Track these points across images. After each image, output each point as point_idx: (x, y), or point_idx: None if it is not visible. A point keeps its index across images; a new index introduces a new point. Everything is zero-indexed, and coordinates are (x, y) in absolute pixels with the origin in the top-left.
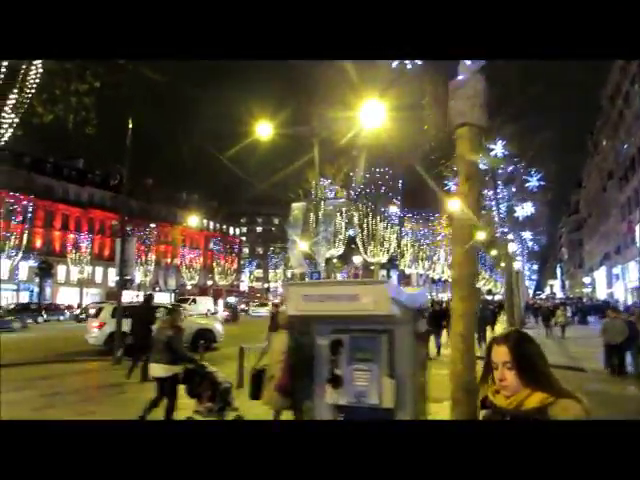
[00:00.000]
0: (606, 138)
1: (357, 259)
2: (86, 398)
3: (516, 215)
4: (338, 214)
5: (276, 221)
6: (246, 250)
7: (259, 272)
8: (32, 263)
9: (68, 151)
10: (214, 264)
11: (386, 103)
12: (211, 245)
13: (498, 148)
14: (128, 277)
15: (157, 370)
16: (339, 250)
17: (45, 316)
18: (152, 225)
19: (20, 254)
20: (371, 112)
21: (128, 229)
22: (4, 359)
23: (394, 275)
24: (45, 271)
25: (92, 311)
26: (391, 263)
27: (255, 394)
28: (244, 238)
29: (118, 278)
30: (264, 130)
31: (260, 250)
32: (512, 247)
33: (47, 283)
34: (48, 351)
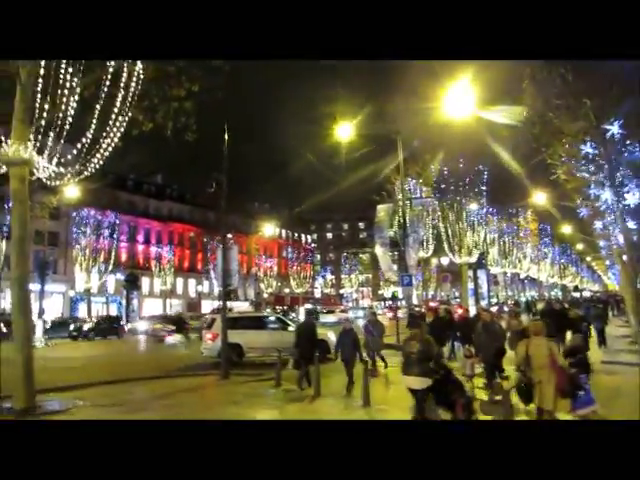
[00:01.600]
0: None
1: (444, 260)
2: None
3: (626, 202)
4: (427, 214)
5: (345, 226)
6: (318, 257)
7: (332, 278)
8: (119, 276)
9: (147, 168)
10: (289, 272)
11: (475, 90)
12: (285, 253)
13: (615, 128)
14: (231, 287)
15: (412, 382)
16: (428, 252)
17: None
18: (229, 235)
19: (109, 268)
20: (459, 102)
21: (216, 240)
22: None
23: (482, 275)
24: (131, 284)
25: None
26: (478, 263)
27: (528, 400)
28: (314, 245)
29: (222, 288)
30: (344, 131)
31: (332, 256)
32: (620, 238)
33: (133, 295)
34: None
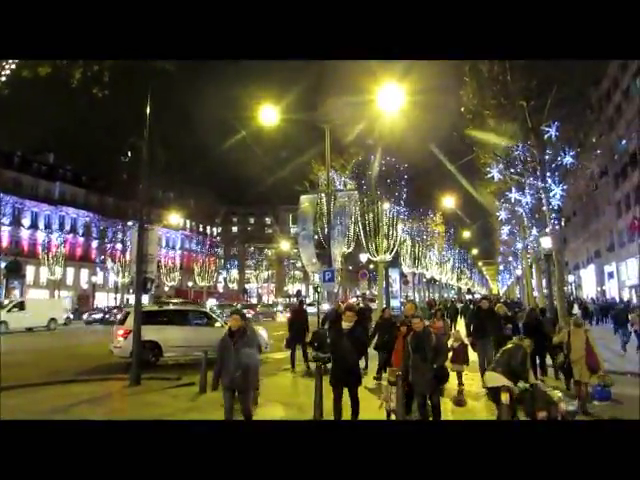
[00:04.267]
0: (598, 134)
1: (363, 257)
2: None
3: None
4: (351, 208)
5: (252, 221)
6: (222, 251)
7: (236, 273)
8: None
9: (37, 145)
10: (193, 265)
11: (406, 87)
12: (189, 245)
13: (552, 131)
14: (149, 275)
15: (491, 380)
16: (350, 246)
17: None
18: (129, 223)
19: None
20: (390, 96)
21: (130, 223)
22: None
23: (395, 275)
24: (13, 272)
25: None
26: (393, 262)
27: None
28: (219, 238)
29: (135, 276)
30: (269, 115)
31: (237, 250)
32: (546, 242)
33: (15, 284)
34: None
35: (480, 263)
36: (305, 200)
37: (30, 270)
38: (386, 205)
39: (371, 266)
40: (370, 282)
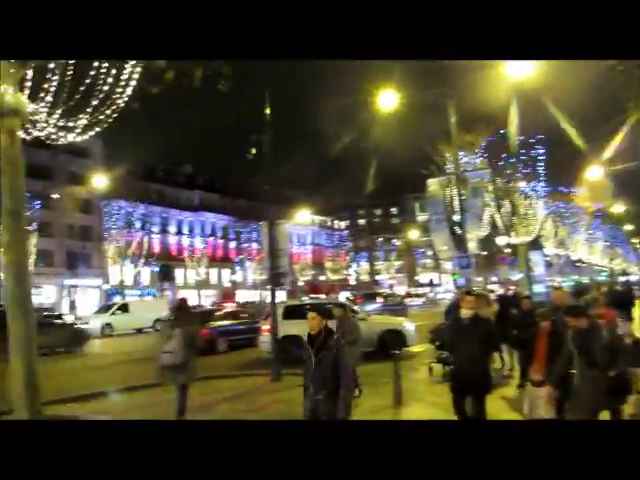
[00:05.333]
0: None
1: (501, 240)
2: None
3: None
4: (485, 187)
5: (378, 212)
6: (350, 244)
7: (366, 265)
8: (153, 268)
9: (176, 158)
10: (324, 259)
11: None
12: (318, 240)
13: None
14: (281, 270)
15: None
16: (486, 230)
17: None
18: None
19: (142, 260)
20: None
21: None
22: None
23: (537, 258)
24: (165, 275)
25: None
26: (532, 244)
27: None
28: (347, 232)
29: (270, 272)
30: (388, 99)
31: (365, 243)
32: None
33: (167, 286)
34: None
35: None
36: (433, 184)
37: (179, 273)
38: (523, 183)
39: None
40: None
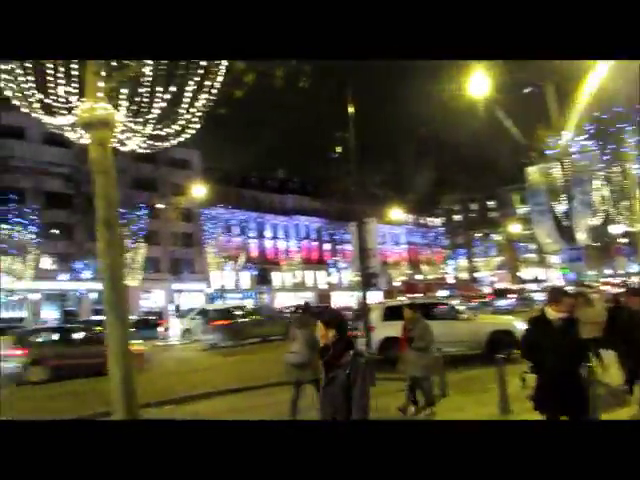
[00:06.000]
0: None
1: (616, 228)
2: None
3: None
4: (594, 170)
5: (474, 207)
6: (446, 241)
7: (464, 262)
8: (252, 272)
9: (268, 164)
10: (419, 258)
11: None
12: (413, 239)
13: None
14: (372, 270)
15: None
16: (597, 218)
17: None
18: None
19: (241, 264)
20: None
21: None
22: None
23: None
24: (262, 278)
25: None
26: None
27: None
28: (443, 229)
29: (360, 273)
30: (479, 84)
31: (462, 239)
32: None
33: (264, 289)
34: None
35: None
36: (533, 172)
37: (276, 276)
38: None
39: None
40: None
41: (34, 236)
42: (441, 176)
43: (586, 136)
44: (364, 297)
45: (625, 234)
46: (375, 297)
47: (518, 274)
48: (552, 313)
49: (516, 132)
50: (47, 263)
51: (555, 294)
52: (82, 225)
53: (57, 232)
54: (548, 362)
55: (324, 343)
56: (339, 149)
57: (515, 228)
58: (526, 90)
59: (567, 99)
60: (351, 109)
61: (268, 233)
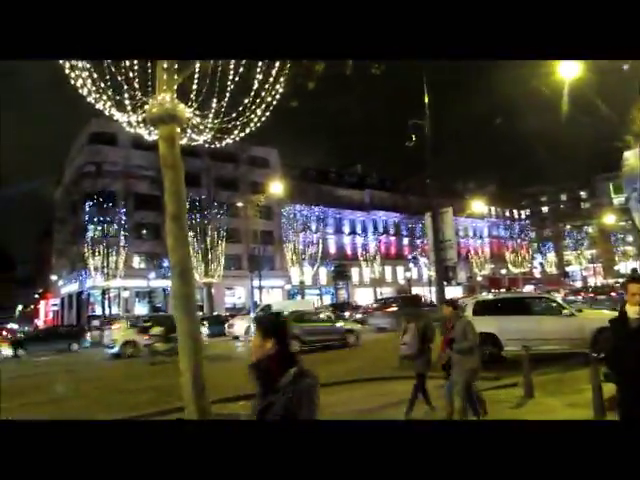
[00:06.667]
0: None
1: None
2: None
3: None
4: None
5: (564, 197)
6: (533, 234)
7: (553, 256)
8: (330, 268)
9: (346, 160)
10: (504, 252)
11: None
12: (497, 232)
13: None
14: (449, 263)
15: None
16: None
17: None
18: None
19: (319, 260)
20: None
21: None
22: None
23: None
24: (340, 274)
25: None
26: None
27: None
28: (528, 221)
29: (437, 266)
30: (569, 68)
31: (550, 232)
32: None
33: (341, 285)
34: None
35: None
36: (630, 156)
37: (354, 271)
38: None
39: None
40: None
41: (125, 236)
42: (527, 165)
43: None
44: (441, 292)
45: None
46: (454, 293)
47: (615, 267)
48: (630, 309)
49: (609, 114)
50: (136, 262)
51: (626, 284)
52: None
53: (145, 232)
54: (625, 368)
55: (257, 357)
56: (413, 137)
57: (610, 219)
58: (624, 67)
59: None
60: (426, 97)
61: (346, 229)
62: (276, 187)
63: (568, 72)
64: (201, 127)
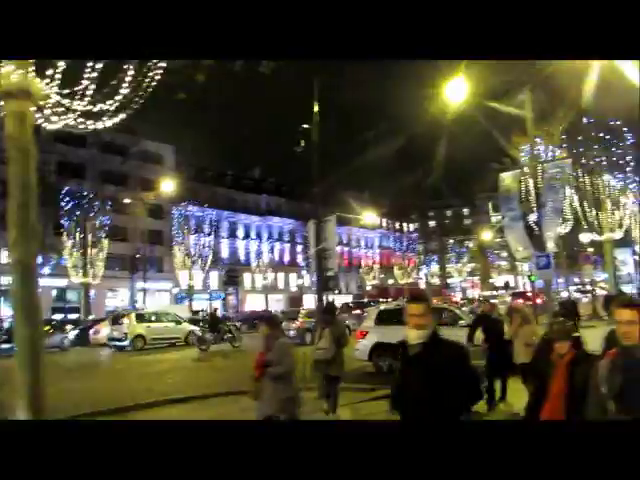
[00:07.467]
0: None
1: (585, 237)
2: None
3: None
4: (565, 179)
5: (449, 213)
6: (420, 247)
7: (437, 268)
8: (221, 272)
9: (245, 162)
10: (392, 263)
11: None
12: (387, 243)
13: None
14: (330, 273)
15: None
16: (567, 226)
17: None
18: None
19: (209, 265)
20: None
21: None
22: None
23: (624, 256)
24: (231, 279)
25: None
26: (622, 241)
27: None
28: (417, 234)
29: (317, 275)
30: (455, 91)
31: (435, 245)
32: None
33: (234, 291)
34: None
35: None
36: (506, 178)
37: (247, 277)
38: (607, 176)
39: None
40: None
41: None
42: (416, 182)
43: (559, 145)
44: (319, 300)
45: (591, 243)
46: (345, 300)
47: (490, 280)
48: (412, 334)
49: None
50: None
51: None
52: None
53: None
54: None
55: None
56: (302, 142)
57: (487, 235)
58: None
59: (543, 107)
60: (316, 107)
61: (240, 233)
62: (168, 185)
63: (454, 95)
64: (63, 108)
